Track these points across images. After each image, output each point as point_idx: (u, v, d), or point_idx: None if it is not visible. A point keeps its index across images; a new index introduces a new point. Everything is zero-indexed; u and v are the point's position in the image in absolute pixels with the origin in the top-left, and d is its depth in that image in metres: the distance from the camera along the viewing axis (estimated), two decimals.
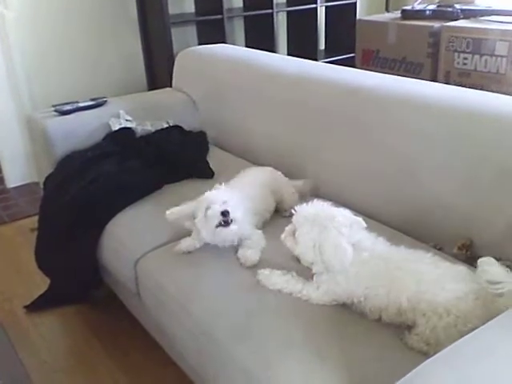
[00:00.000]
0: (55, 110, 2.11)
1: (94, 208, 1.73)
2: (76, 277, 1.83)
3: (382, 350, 1.08)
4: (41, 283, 2.03)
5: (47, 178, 2.01)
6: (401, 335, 1.11)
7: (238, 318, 1.21)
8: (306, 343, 1.11)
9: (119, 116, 2.13)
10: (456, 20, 2.77)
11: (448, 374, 0.78)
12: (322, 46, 3.97)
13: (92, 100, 2.19)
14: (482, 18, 2.71)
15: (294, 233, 1.22)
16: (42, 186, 2.07)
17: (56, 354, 1.85)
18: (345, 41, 3.71)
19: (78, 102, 2.16)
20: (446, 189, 1.44)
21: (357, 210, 1.42)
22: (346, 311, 1.19)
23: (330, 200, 1.29)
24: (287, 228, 1.25)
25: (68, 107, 2.11)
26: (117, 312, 1.91)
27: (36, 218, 2.00)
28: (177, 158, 1.94)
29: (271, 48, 3.36)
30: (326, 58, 3.70)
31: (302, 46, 3.72)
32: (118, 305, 1.86)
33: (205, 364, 1.27)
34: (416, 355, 1.04)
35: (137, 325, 1.75)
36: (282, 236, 1.25)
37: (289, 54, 3.72)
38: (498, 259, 1.30)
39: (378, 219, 1.55)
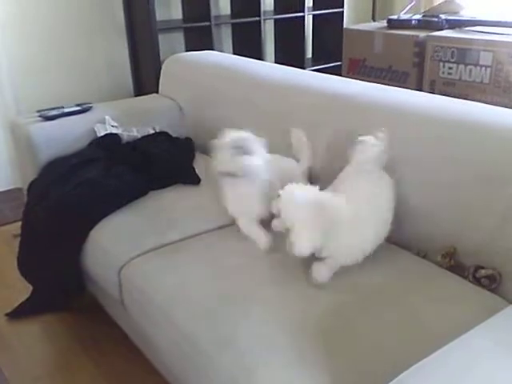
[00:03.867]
0: (40, 116, 2.09)
1: (77, 214, 1.71)
2: (59, 284, 1.81)
3: (366, 356, 1.08)
4: (23, 290, 2.00)
5: (31, 184, 1.98)
6: None
7: (222, 326, 1.20)
8: (291, 348, 1.10)
9: (105, 122, 2.12)
10: (441, 30, 2.80)
11: (436, 379, 0.78)
12: (309, 54, 3.99)
13: (77, 105, 2.18)
14: (467, 28, 2.74)
15: None
16: (25, 191, 2.05)
17: (37, 362, 1.82)
18: (332, 49, 3.73)
19: (63, 108, 2.14)
20: (429, 196, 1.45)
21: None
22: (333, 316, 1.19)
23: None
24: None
25: (53, 113, 2.10)
26: (100, 319, 1.89)
27: (19, 224, 1.97)
28: (162, 163, 1.93)
29: (258, 56, 3.37)
30: (314, 66, 3.72)
31: (290, 54, 3.73)
32: (102, 312, 1.84)
33: (188, 372, 1.26)
34: (398, 359, 1.03)
35: (120, 332, 1.73)
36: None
37: (276, 62, 3.74)
38: (481, 267, 1.32)
39: None
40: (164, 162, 1.95)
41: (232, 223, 1.63)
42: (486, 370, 0.79)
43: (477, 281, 1.32)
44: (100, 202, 1.72)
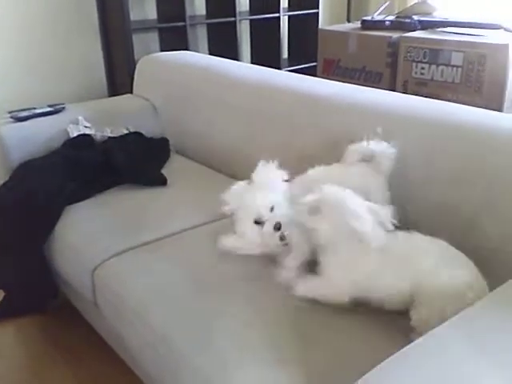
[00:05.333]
0: (11, 117, 2.06)
1: (33, 214, 1.71)
2: (29, 287, 1.78)
3: (343, 352, 1.09)
4: None
5: (2, 186, 1.95)
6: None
7: (197, 326, 1.20)
8: (267, 347, 1.10)
9: (78, 122, 2.10)
10: (414, 31, 2.84)
11: (403, 375, 0.79)
12: (285, 54, 4.01)
13: (50, 106, 2.15)
14: (439, 29, 2.79)
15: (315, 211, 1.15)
16: None
17: (10, 367, 1.80)
18: (308, 50, 3.75)
19: (34, 109, 2.12)
20: (403, 197, 1.47)
21: None
22: (307, 313, 1.20)
23: None
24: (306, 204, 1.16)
25: (24, 114, 2.07)
26: (74, 322, 1.87)
27: None
28: (121, 166, 1.92)
29: (234, 56, 3.37)
30: (290, 66, 3.73)
31: (266, 55, 3.74)
32: (76, 314, 1.82)
33: (163, 373, 1.25)
34: (379, 355, 1.04)
35: (95, 334, 1.72)
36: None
37: (252, 63, 3.74)
38: None
39: None
40: (123, 164, 1.93)
41: (205, 223, 1.63)
42: (453, 364, 0.80)
43: None
44: (55, 199, 1.74)
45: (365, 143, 1.43)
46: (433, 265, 1.12)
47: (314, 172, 1.44)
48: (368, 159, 1.44)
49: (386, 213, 1.13)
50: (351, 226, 1.10)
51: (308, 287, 1.22)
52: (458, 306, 0.98)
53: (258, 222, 1.34)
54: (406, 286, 1.12)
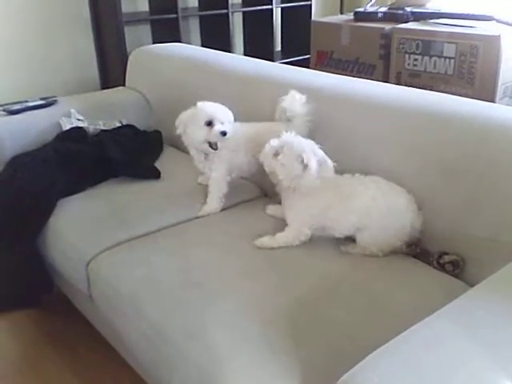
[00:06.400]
0: (3, 110, 2.05)
1: (26, 207, 1.71)
2: (23, 281, 1.78)
3: (335, 342, 1.10)
4: None
5: None
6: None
7: (191, 317, 1.20)
8: (260, 338, 1.11)
9: (70, 115, 2.09)
10: (407, 22, 2.83)
11: (395, 364, 0.80)
12: (278, 47, 4.00)
13: (42, 99, 2.14)
14: (432, 20, 2.79)
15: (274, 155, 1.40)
16: None
17: (4, 361, 1.79)
18: (301, 42, 3.74)
19: (27, 102, 2.11)
20: None
21: None
22: (300, 305, 1.20)
23: None
24: (267, 150, 1.41)
25: (16, 107, 2.06)
26: (69, 314, 1.87)
27: None
28: (115, 159, 1.91)
29: (227, 48, 3.36)
30: (283, 59, 3.72)
31: (259, 47, 3.73)
32: (70, 307, 1.82)
33: (158, 364, 1.26)
34: (366, 345, 1.05)
35: (90, 327, 1.72)
36: (262, 156, 1.44)
37: (245, 55, 3.73)
38: (445, 253, 1.36)
39: None
40: (118, 156, 1.92)
41: (199, 216, 1.64)
42: (445, 352, 0.81)
43: (441, 267, 1.35)
44: (48, 191, 1.73)
45: (286, 98, 1.64)
46: (373, 195, 1.38)
47: (245, 126, 1.68)
48: (290, 118, 1.64)
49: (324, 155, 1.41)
50: (305, 158, 1.35)
51: (275, 211, 1.56)
52: (395, 226, 1.37)
53: (209, 123, 1.56)
54: (353, 214, 1.38)
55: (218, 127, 1.56)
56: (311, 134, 1.67)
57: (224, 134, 1.56)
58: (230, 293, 1.26)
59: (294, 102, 1.63)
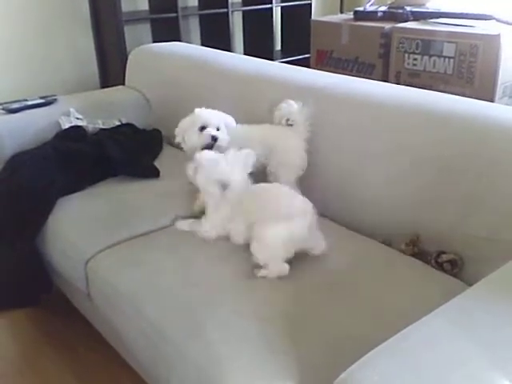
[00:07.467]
0: (3, 109, 2.05)
1: (25, 206, 1.71)
2: (22, 280, 1.78)
3: (333, 341, 1.10)
4: None
5: None
6: None
7: (190, 316, 1.20)
8: (258, 337, 1.11)
9: (69, 114, 2.09)
10: (406, 21, 2.83)
11: (394, 362, 0.80)
12: (278, 46, 4.00)
13: (41, 98, 2.14)
14: (431, 20, 2.78)
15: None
16: None
17: (2, 359, 1.79)
18: (300, 41, 3.74)
19: (26, 100, 2.11)
20: (392, 186, 1.48)
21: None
22: (299, 304, 1.20)
23: None
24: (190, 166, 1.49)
25: (16, 105, 2.06)
26: (68, 313, 1.87)
27: None
28: (114, 158, 1.91)
29: (227, 47, 3.35)
30: (283, 58, 3.72)
31: (258, 46, 3.73)
32: (69, 306, 1.82)
33: (157, 363, 1.26)
34: (362, 344, 1.06)
35: (89, 326, 1.72)
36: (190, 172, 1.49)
37: (245, 54, 3.73)
38: (443, 252, 1.36)
39: (326, 216, 1.58)
40: (117, 155, 1.92)
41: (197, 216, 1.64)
42: (443, 351, 0.81)
43: (439, 266, 1.35)
44: (46, 191, 1.73)
45: (283, 106, 1.66)
46: (260, 208, 1.39)
47: (242, 128, 1.70)
48: (291, 123, 1.65)
49: (247, 155, 1.47)
50: (216, 177, 1.44)
51: (189, 223, 1.56)
52: (286, 240, 1.30)
53: (203, 128, 1.60)
54: (244, 227, 1.40)
55: (208, 130, 1.58)
56: (311, 134, 1.67)
57: (214, 138, 1.57)
58: (229, 292, 1.26)
59: (292, 109, 1.64)
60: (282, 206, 1.37)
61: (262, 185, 1.50)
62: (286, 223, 1.31)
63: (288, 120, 1.66)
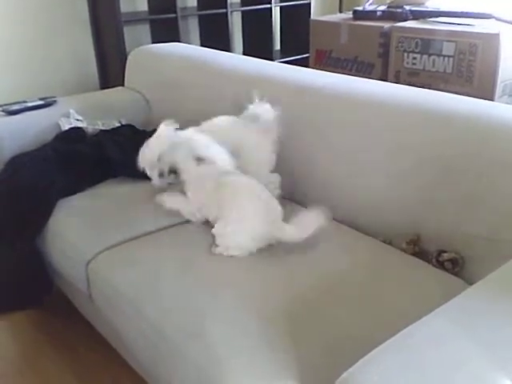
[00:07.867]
0: (2, 110, 2.05)
1: (25, 208, 1.71)
2: (23, 281, 1.78)
3: (334, 341, 1.10)
4: None
5: None
6: None
7: (190, 316, 1.20)
8: (259, 336, 1.11)
9: (69, 116, 2.09)
10: (405, 21, 2.83)
11: (395, 362, 0.80)
12: (277, 46, 4.00)
13: (41, 99, 2.14)
14: (431, 19, 2.78)
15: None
16: None
17: (3, 360, 1.80)
18: (300, 41, 3.74)
19: (26, 102, 2.11)
20: (392, 185, 1.48)
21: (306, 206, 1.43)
22: (300, 303, 1.20)
23: None
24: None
25: (15, 107, 2.06)
26: (68, 314, 1.88)
27: None
28: (114, 159, 1.91)
29: (226, 48, 3.36)
30: (282, 58, 3.72)
31: (258, 46, 3.73)
32: (70, 307, 1.82)
33: (158, 363, 1.26)
34: (363, 343, 1.06)
35: (89, 327, 1.72)
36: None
37: (244, 54, 3.73)
38: (444, 251, 1.36)
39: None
40: (117, 156, 1.92)
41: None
42: (444, 351, 0.81)
43: (440, 265, 1.35)
44: (47, 191, 1.74)
45: (250, 106, 1.67)
46: (225, 204, 1.45)
47: (211, 122, 1.73)
48: (255, 120, 1.65)
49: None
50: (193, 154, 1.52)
51: (172, 200, 1.61)
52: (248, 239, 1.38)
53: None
54: (215, 207, 1.47)
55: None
56: (311, 134, 1.67)
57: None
58: (229, 292, 1.26)
59: (260, 110, 1.66)
60: (245, 206, 1.43)
61: (237, 178, 1.52)
62: (247, 223, 1.40)
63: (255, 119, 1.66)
